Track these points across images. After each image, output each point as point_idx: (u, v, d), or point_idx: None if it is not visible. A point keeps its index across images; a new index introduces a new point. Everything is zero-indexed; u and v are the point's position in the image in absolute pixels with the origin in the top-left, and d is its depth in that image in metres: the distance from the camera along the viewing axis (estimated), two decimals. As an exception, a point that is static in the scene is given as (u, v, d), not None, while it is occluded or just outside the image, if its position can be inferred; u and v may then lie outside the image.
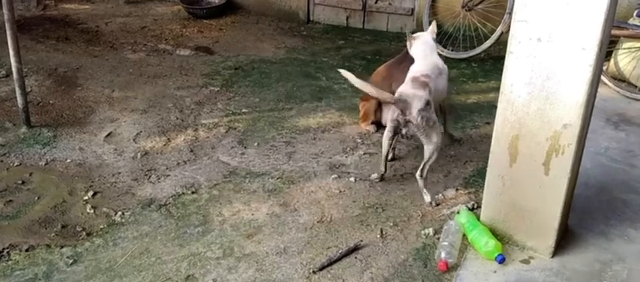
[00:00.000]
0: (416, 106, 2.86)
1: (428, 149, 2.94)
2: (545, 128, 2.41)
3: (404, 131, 2.95)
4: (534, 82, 2.37)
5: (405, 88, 2.97)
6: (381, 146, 3.14)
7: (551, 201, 2.51)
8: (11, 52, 3.53)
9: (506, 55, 2.41)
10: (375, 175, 3.24)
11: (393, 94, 3.03)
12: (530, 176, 2.51)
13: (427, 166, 2.98)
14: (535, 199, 2.54)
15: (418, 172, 3.00)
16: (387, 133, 3.04)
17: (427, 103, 2.89)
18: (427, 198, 3.01)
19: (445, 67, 3.29)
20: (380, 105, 3.75)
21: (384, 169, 3.20)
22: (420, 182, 3.02)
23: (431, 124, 2.90)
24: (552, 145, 2.42)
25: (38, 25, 5.50)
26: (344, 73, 3.04)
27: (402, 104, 2.88)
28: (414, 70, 3.14)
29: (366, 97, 3.82)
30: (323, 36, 5.75)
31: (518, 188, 2.56)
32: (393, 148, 3.40)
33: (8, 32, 3.47)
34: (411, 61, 3.28)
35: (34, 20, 5.64)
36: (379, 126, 3.81)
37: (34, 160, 3.41)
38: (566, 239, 2.70)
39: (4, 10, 3.42)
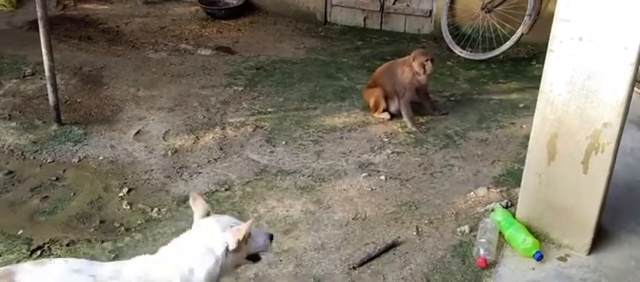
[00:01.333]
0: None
1: None
2: (585, 127, 2.44)
3: None
4: (575, 81, 2.40)
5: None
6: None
7: (588, 199, 2.54)
8: (44, 51, 3.56)
9: (547, 54, 2.44)
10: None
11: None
12: (568, 174, 2.54)
13: None
14: (573, 198, 2.57)
15: None
16: None
17: None
18: None
19: None
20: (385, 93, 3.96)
21: None
22: None
23: None
24: (592, 144, 2.45)
25: (59, 24, 5.52)
26: None
27: None
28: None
29: (369, 86, 4.03)
30: (341, 37, 5.78)
31: (556, 186, 2.59)
32: None
33: (41, 30, 3.50)
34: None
35: (55, 20, 5.65)
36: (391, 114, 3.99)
37: (67, 157, 3.44)
38: (600, 237, 2.73)
39: (38, 8, 3.45)
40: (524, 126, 3.89)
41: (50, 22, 5.50)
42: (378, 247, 2.65)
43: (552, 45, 2.42)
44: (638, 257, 2.65)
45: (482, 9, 5.26)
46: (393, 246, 2.68)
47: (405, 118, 3.91)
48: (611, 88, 2.34)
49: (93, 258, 2.61)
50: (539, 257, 2.56)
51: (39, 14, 3.46)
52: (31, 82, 4.33)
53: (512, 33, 5.03)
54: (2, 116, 3.82)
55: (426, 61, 3.87)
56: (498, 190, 3.15)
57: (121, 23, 5.76)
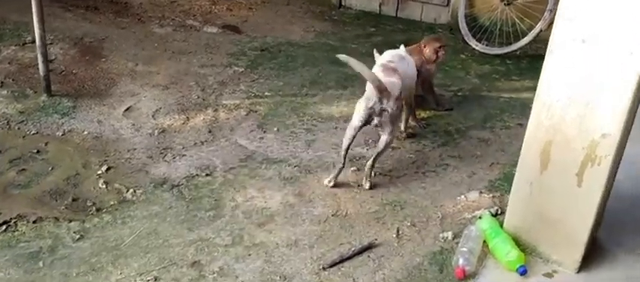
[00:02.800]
0: (394, 93, 2.83)
1: (384, 140, 2.91)
2: (582, 136, 2.24)
3: (376, 120, 2.86)
4: (574, 86, 2.20)
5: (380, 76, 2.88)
6: (344, 138, 2.94)
7: (581, 214, 2.35)
8: (35, 18, 3.48)
9: (546, 55, 2.25)
10: (328, 180, 2.98)
11: None
12: (561, 186, 2.35)
13: (380, 157, 2.98)
14: (564, 211, 2.38)
15: (370, 162, 2.95)
16: (356, 123, 2.87)
17: (400, 92, 2.87)
18: (366, 185, 2.97)
19: (409, 56, 3.36)
20: None
21: (342, 164, 2.96)
22: (367, 171, 2.96)
23: (399, 114, 2.94)
24: (588, 155, 2.25)
25: (68, -8, 5.47)
26: (343, 57, 2.93)
27: (383, 92, 2.79)
28: (380, 59, 3.21)
29: None
30: (354, 22, 5.59)
31: (548, 197, 2.40)
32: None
33: (33, -1, 3.42)
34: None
35: (65, -12, 5.61)
36: None
37: (51, 129, 3.37)
38: (593, 253, 2.53)
39: (30, -24, 3.37)
40: (531, 128, 3.67)
41: (60, -10, 5.50)
42: (353, 249, 2.51)
43: (552, 45, 2.23)
44: (634, 277, 2.45)
45: (502, 1, 5.01)
46: (368, 248, 2.54)
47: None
48: (614, 96, 2.13)
49: (57, 238, 2.54)
50: (523, 272, 2.38)
51: (31, -18, 3.37)
52: (31, 50, 4.25)
53: (531, 28, 4.78)
54: (-5, 83, 3.78)
55: (439, 47, 3.68)
56: (491, 195, 2.96)
57: (131, -6, 5.67)
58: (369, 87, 2.86)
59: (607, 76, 2.13)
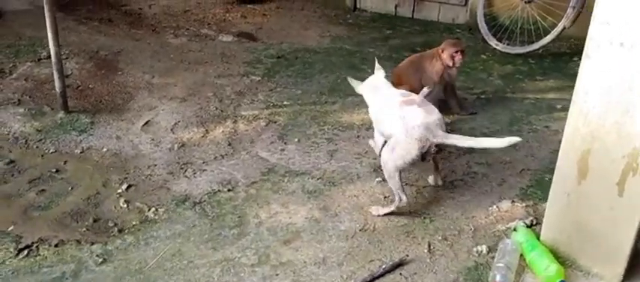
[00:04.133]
0: (441, 127, 2.67)
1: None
2: (622, 144, 2.13)
3: (427, 157, 2.70)
4: (613, 92, 2.10)
5: (421, 114, 2.67)
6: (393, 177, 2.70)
7: (623, 224, 2.24)
8: (49, 33, 3.44)
9: (582, 60, 2.14)
10: (383, 210, 2.77)
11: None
12: (601, 196, 2.24)
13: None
14: (605, 222, 2.27)
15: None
16: (408, 160, 2.64)
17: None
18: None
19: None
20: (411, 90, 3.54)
21: (405, 198, 2.74)
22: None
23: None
24: (629, 164, 2.14)
25: (82, 5, 5.44)
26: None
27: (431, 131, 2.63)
28: (400, 94, 2.95)
29: (392, 83, 3.54)
30: (370, 25, 5.51)
31: (587, 208, 2.30)
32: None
33: (47, 14, 3.38)
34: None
35: (79, 0, 5.58)
36: None
37: (70, 147, 3.32)
38: (635, 266, 2.42)
39: (44, -8, 3.32)
40: (559, 130, 3.55)
41: (74, 3, 5.47)
42: (383, 266, 2.42)
43: (588, 50, 2.12)
44: (679, 291, 2.34)
45: (523, -1, 4.90)
46: (400, 265, 2.45)
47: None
48: (655, 101, 2.03)
49: (80, 262, 2.48)
50: (564, 287, 2.28)
51: (45, -1, 3.33)
52: (46, 65, 4.22)
53: (554, 26, 4.66)
54: (12, 101, 3.74)
55: (456, 52, 3.58)
56: (524, 204, 2.86)
57: (145, 5, 5.64)
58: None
59: (648, 81, 2.03)
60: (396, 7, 5.67)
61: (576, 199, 2.32)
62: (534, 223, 2.67)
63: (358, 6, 5.83)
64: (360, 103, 3.92)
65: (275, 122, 3.67)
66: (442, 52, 3.61)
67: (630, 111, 2.09)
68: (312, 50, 4.80)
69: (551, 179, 2.41)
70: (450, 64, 3.58)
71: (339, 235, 2.66)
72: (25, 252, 2.52)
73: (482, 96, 4.11)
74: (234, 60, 4.56)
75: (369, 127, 3.64)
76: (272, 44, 4.90)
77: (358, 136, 3.52)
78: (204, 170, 3.16)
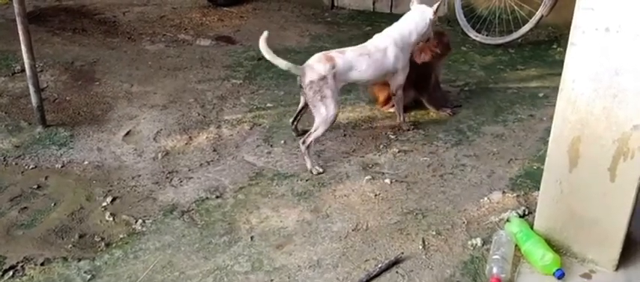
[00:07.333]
0: (308, 77, 3.10)
1: (316, 121, 3.13)
2: (612, 130, 2.13)
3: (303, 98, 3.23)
4: (600, 78, 2.09)
5: (312, 59, 3.18)
6: None
7: (616, 210, 2.24)
8: (23, 46, 3.34)
9: (568, 48, 2.14)
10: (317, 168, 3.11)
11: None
12: (593, 182, 2.24)
13: (311, 137, 3.12)
14: (598, 208, 2.27)
15: (301, 140, 3.14)
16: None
17: (322, 78, 3.06)
18: (308, 165, 3.11)
19: (387, 47, 3.39)
20: None
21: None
22: (302, 148, 3.12)
23: (319, 98, 3.08)
24: (620, 149, 2.14)
25: (54, 16, 5.32)
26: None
27: (300, 73, 3.14)
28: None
29: (380, 83, 3.61)
30: (348, 22, 5.49)
31: (579, 195, 2.30)
32: (297, 119, 3.46)
33: (19, 27, 3.28)
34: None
35: (50, 11, 5.46)
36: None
37: (50, 162, 3.23)
38: (629, 251, 2.42)
39: (15, 4, 3.23)
40: (544, 118, 3.58)
41: (45, 14, 5.35)
42: (379, 265, 2.39)
43: (574, 37, 2.11)
44: (674, 272, 2.35)
45: (499, -11, 4.91)
46: (396, 263, 2.42)
47: (430, 107, 3.73)
48: (644, 85, 2.03)
49: (68, 279, 2.41)
50: (561, 275, 2.28)
51: (16, 10, 3.23)
52: (21, 79, 4.12)
53: (531, 15, 4.68)
54: (-13, 118, 3.63)
55: (435, 44, 3.58)
56: (515, 194, 2.85)
57: (119, 13, 5.54)
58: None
59: (634, 66, 2.02)
60: (374, 2, 5.65)
61: (568, 186, 2.32)
62: (527, 212, 2.67)
63: (336, 4, 5.80)
64: (345, 101, 3.91)
65: (259, 125, 3.62)
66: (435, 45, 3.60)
67: (619, 96, 2.09)
68: (293, 50, 4.76)
69: (540, 168, 2.41)
70: (439, 50, 3.59)
71: (332, 236, 2.62)
72: (11, 273, 2.43)
73: (466, 88, 4.11)
74: (213, 64, 4.50)
75: (355, 124, 3.62)
76: (251, 46, 4.84)
77: (345, 135, 3.49)
78: (191, 178, 3.10)
